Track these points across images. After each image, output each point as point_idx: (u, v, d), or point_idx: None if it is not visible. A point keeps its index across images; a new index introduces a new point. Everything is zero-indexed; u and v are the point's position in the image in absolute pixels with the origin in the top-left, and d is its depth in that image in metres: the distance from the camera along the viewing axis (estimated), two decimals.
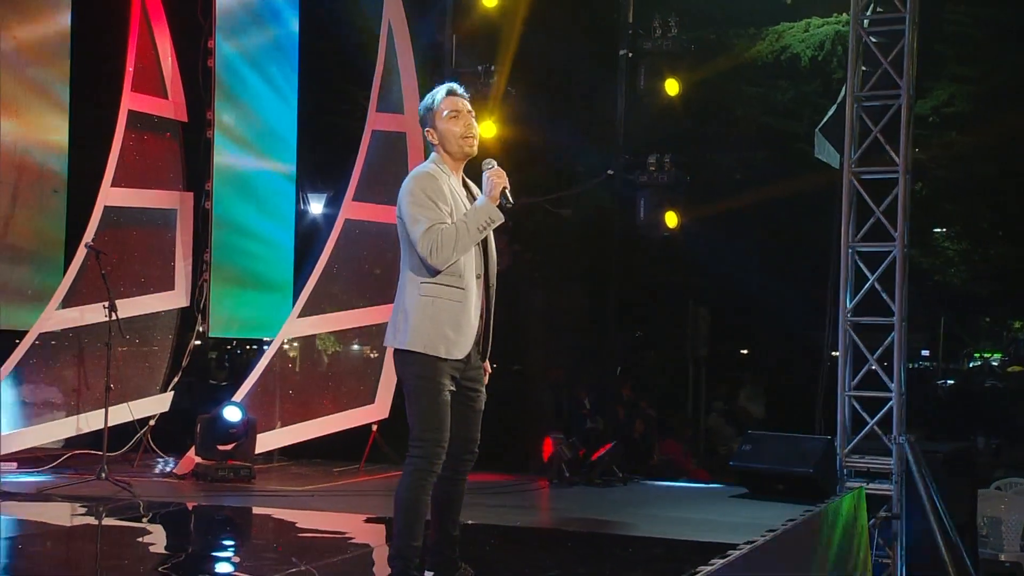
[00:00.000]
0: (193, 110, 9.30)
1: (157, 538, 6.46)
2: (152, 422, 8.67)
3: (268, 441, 8.45)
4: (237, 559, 5.93)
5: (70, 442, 8.66)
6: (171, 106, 9.24)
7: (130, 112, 8.92)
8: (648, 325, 14.60)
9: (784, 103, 12.86)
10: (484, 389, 4.45)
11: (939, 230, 16.42)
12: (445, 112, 4.30)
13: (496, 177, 4.22)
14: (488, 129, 9.47)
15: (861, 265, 8.45)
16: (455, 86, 4.41)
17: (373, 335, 8.99)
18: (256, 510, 7.22)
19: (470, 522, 6.29)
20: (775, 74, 12.48)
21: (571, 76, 9.96)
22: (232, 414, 7.89)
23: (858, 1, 8.50)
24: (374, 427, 8.90)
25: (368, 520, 6.93)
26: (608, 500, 7.74)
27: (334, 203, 11.22)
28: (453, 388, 4.25)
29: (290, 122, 9.64)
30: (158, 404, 8.73)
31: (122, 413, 8.11)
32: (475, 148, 4.36)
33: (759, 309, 13.26)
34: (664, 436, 11.90)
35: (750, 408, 14.01)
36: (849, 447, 8.26)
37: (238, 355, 9.65)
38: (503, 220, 4.24)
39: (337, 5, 10.07)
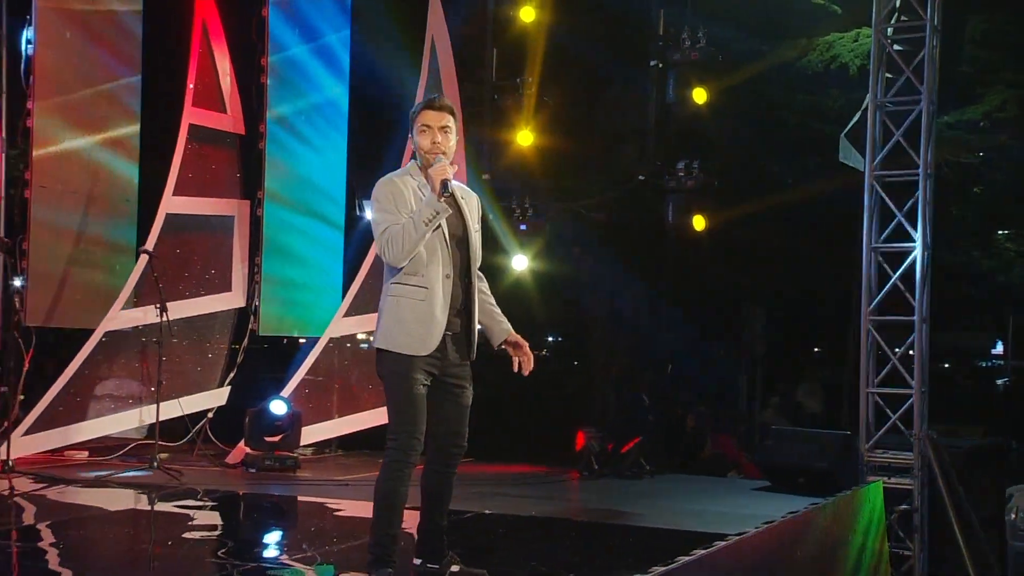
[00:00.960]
0: (248, 123, 9.47)
1: (195, 522, 6.50)
2: (210, 415, 8.89)
3: (314, 433, 8.58)
4: (258, 542, 6.09)
5: (135, 433, 8.97)
6: (229, 120, 9.44)
7: (191, 126, 9.11)
8: (705, 323, 14.49)
9: (835, 110, 12.69)
10: (470, 385, 4.41)
11: (1002, 232, 16.08)
12: (418, 125, 4.30)
13: (435, 173, 4.15)
14: (525, 138, 9.54)
15: (885, 266, 8.35)
16: (435, 99, 4.38)
17: None
18: (296, 497, 7.26)
19: (487, 511, 6.40)
20: (827, 82, 12.34)
21: (604, 86, 9.93)
22: (278, 407, 8.05)
23: (880, 10, 8.39)
24: None
25: None
26: (628, 491, 7.69)
27: None
28: (427, 383, 4.24)
29: (342, 134, 9.75)
30: (215, 398, 8.92)
31: (180, 407, 8.40)
32: (447, 156, 4.27)
33: (818, 306, 13.05)
34: (718, 431, 11.80)
35: (807, 403, 13.79)
36: (871, 442, 8.16)
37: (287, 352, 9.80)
38: (448, 211, 4.17)
39: (385, 9, 10.07)
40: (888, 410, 8.14)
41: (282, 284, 9.19)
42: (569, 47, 9.46)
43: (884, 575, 7.63)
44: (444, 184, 4.10)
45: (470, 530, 5.83)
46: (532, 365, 4.43)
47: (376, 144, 9.69)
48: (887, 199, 8.26)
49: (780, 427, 8.81)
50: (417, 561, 4.41)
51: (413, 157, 4.37)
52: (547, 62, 9.47)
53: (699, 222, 8.93)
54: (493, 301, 4.51)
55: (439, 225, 4.19)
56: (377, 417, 8.87)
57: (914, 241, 8.15)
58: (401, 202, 4.21)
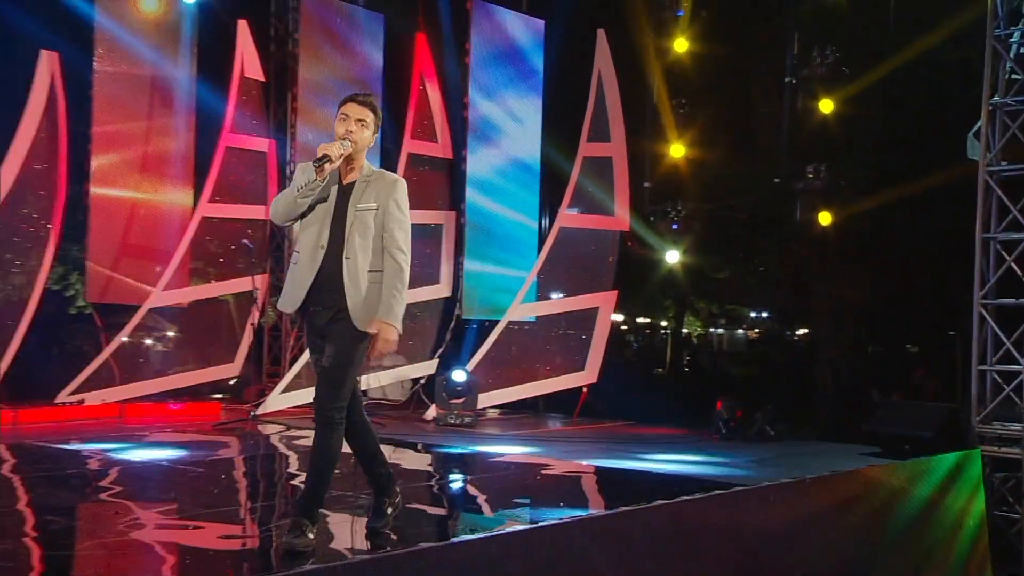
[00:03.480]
0: (455, 149, 10.21)
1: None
2: (423, 381, 9.80)
3: (492, 398, 9.21)
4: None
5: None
6: (440, 148, 10.31)
7: (410, 154, 10.14)
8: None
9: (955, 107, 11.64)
10: (331, 343, 3.97)
11: None
12: (339, 113, 4.10)
13: (321, 147, 3.93)
14: (677, 150, 9.78)
15: (1004, 253, 7.92)
16: (359, 95, 4.16)
17: (581, 317, 9.59)
18: (449, 448, 7.51)
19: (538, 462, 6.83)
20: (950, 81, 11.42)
21: (745, 103, 9.96)
22: (458, 376, 8.81)
23: (993, 16, 7.94)
24: (584, 389, 9.54)
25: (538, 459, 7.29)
26: (722, 450, 7.67)
27: None
28: (319, 358, 4.02)
29: (535, 152, 10.28)
30: (427, 368, 9.77)
31: (397, 375, 9.44)
32: (360, 147, 4.04)
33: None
34: None
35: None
36: (982, 415, 7.77)
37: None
38: (319, 184, 3.90)
39: (572, 51, 10.52)
40: (1003, 383, 7.74)
41: (479, 277, 9.85)
42: (715, 71, 9.59)
43: (981, 536, 7.29)
44: (322, 157, 3.86)
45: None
46: (378, 353, 4.07)
47: (564, 161, 10.17)
48: (998, 190, 7.84)
49: (888, 399, 8.52)
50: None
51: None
52: (697, 84, 9.66)
53: (825, 218, 8.82)
54: (389, 284, 4.02)
55: (325, 199, 3.97)
56: (545, 387, 9.48)
57: None
58: (300, 178, 4.00)
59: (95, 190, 9.22)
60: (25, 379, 8.57)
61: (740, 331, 23.22)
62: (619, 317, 19.20)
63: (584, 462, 6.90)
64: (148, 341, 9.30)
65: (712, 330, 22.94)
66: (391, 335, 3.99)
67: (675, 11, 9.74)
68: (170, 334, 9.56)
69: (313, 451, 3.98)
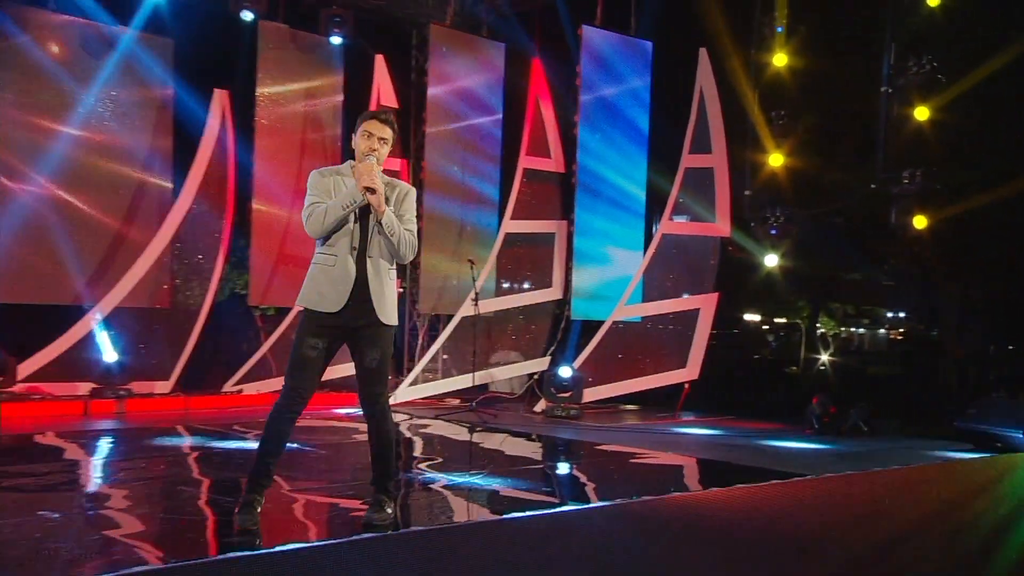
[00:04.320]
0: (567, 163, 10.52)
1: (474, 444, 7.36)
2: (536, 376, 10.21)
3: (597, 392, 9.49)
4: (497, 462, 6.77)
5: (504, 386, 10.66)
6: (553, 163, 10.68)
7: (525, 169, 10.57)
8: None
9: None
10: (376, 348, 4.15)
11: None
12: (361, 129, 4.21)
13: (363, 169, 4.06)
14: (776, 159, 9.75)
15: None
16: (381, 113, 4.26)
17: (683, 318, 9.73)
18: (559, 435, 7.83)
19: (604, 446, 7.03)
20: None
21: (841, 113, 9.80)
22: (565, 372, 9.14)
23: None
24: (686, 385, 9.68)
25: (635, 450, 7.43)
26: (802, 445, 7.64)
27: None
28: (322, 346, 4.10)
29: (641, 164, 10.45)
30: (539, 364, 10.19)
31: (512, 370, 9.88)
32: (371, 159, 4.13)
33: None
34: None
35: None
36: None
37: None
38: (364, 201, 4.05)
39: (673, 72, 10.66)
40: None
41: (587, 282, 10.17)
42: (813, 83, 9.51)
43: None
44: (371, 189, 4.03)
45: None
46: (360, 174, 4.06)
47: (671, 166, 10.22)
48: None
49: (983, 397, 8.23)
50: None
51: (351, 156, 4.29)
52: (795, 96, 9.62)
53: (920, 221, 8.60)
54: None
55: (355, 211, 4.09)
56: (645, 383, 9.66)
57: None
58: (321, 190, 4.16)
59: (257, 207, 10.13)
60: (196, 372, 9.54)
61: (882, 331, 22.52)
62: (756, 317, 19.12)
63: (671, 453, 7.09)
64: None
65: (854, 330, 22.35)
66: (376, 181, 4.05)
67: (774, 27, 9.74)
68: None
69: (379, 436, 4.20)
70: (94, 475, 5.71)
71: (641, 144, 10.53)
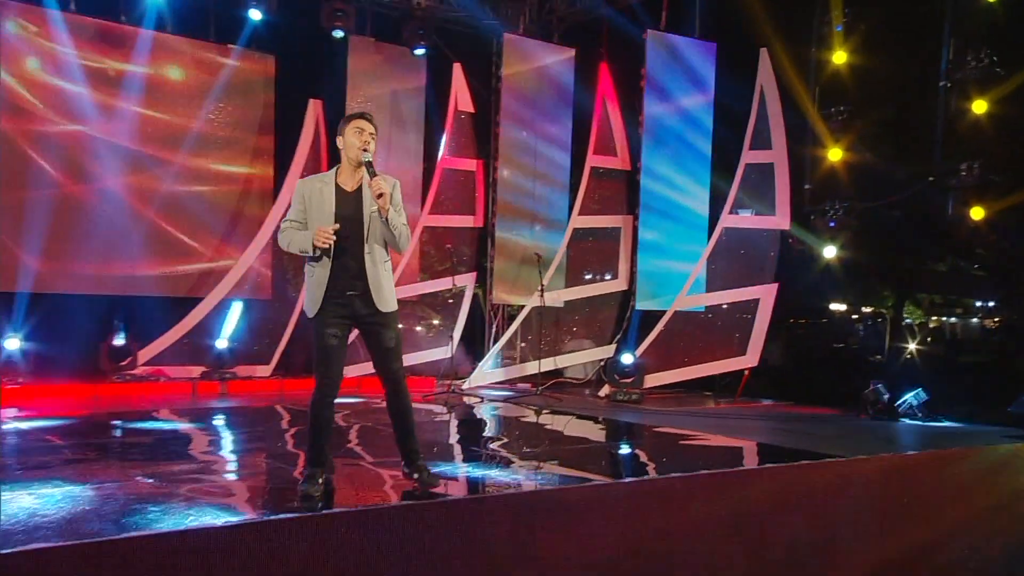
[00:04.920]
0: (632, 161, 10.72)
1: (536, 425, 7.56)
2: (602, 363, 10.42)
3: (660, 378, 9.63)
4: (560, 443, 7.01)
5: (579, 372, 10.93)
6: (619, 161, 10.88)
7: (592, 167, 10.79)
8: None
9: None
10: (389, 329, 4.33)
11: None
12: (351, 126, 4.32)
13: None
14: (835, 154, 9.66)
15: None
16: (364, 112, 4.43)
17: (744, 307, 9.78)
18: (619, 417, 7.99)
19: (659, 429, 7.19)
20: None
21: (900, 107, 9.60)
22: (626, 358, 9.33)
23: None
24: (746, 372, 9.74)
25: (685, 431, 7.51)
26: (850, 428, 7.60)
27: None
28: (340, 334, 4.26)
29: (705, 163, 10.54)
30: (606, 351, 10.41)
31: (580, 357, 10.14)
32: (368, 157, 4.27)
33: None
34: None
35: None
36: None
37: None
38: (311, 252, 4.21)
39: (734, 72, 10.61)
40: None
41: (651, 273, 10.33)
42: (871, 79, 9.39)
43: None
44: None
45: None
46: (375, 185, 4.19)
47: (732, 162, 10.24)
48: None
49: None
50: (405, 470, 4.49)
51: (337, 162, 4.40)
52: (854, 92, 9.52)
53: (977, 212, 8.41)
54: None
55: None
56: (706, 370, 9.75)
57: None
58: (299, 199, 4.32)
59: None
60: (292, 357, 10.14)
61: (975, 320, 21.79)
62: (842, 307, 18.74)
63: (720, 435, 7.14)
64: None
65: (944, 319, 21.66)
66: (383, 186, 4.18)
67: (833, 26, 9.64)
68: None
69: (401, 410, 4.40)
70: (192, 444, 6.26)
71: (705, 142, 10.57)
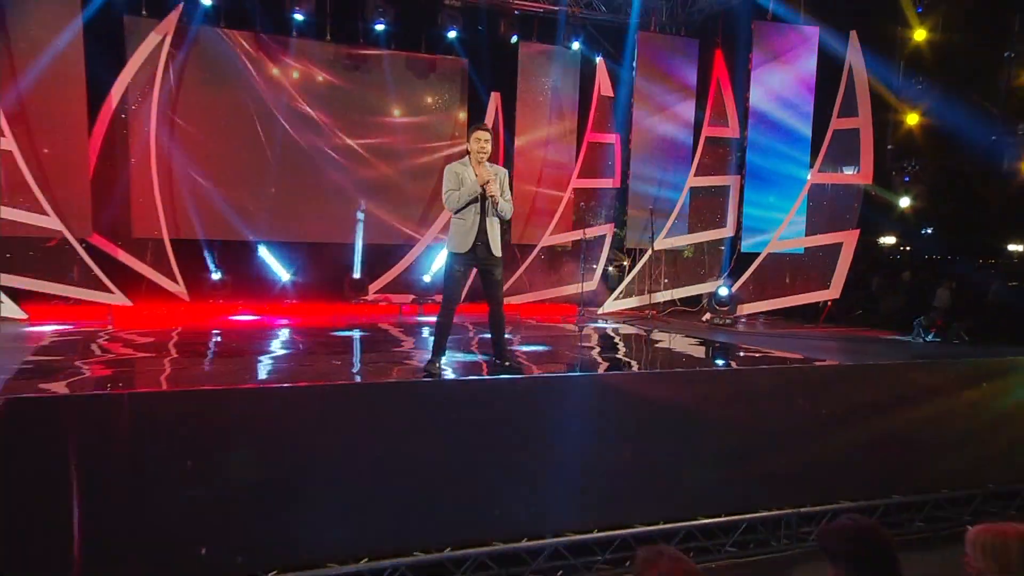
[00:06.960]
0: (741, 129, 11.31)
1: (647, 343, 8.17)
2: (704, 298, 11.30)
3: (755, 307, 10.39)
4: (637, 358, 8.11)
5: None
6: (730, 130, 11.53)
7: (707, 137, 11.54)
8: None
9: None
10: (497, 269, 5.39)
11: None
12: (474, 135, 5.36)
13: (483, 174, 5.27)
14: (912, 119, 9.84)
15: None
16: (483, 124, 5.56)
17: (826, 250, 10.28)
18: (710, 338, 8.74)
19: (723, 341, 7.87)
20: None
21: (970, 74, 9.49)
22: (723, 291, 10.21)
23: None
24: (828, 302, 10.29)
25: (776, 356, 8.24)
26: (895, 349, 7.89)
27: None
28: (465, 271, 5.39)
29: (803, 133, 10.80)
30: (712, 286, 11.23)
31: (693, 290, 11.10)
32: (486, 155, 5.32)
33: None
34: None
35: None
36: None
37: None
38: (480, 192, 5.28)
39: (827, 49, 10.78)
40: None
41: (756, 221, 11.02)
42: (949, 51, 9.46)
43: None
44: (487, 192, 5.29)
45: None
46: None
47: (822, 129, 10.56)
48: None
49: None
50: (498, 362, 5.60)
51: (467, 153, 5.40)
52: (930, 63, 9.64)
53: None
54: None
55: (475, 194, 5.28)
56: (793, 300, 10.34)
57: None
58: (453, 180, 5.36)
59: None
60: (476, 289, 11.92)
61: None
62: (1020, 247, 17.60)
63: (779, 351, 7.46)
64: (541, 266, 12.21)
65: None
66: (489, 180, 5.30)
67: (915, 7, 9.72)
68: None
69: (496, 321, 5.52)
70: (376, 341, 8.11)
71: (802, 112, 10.94)
